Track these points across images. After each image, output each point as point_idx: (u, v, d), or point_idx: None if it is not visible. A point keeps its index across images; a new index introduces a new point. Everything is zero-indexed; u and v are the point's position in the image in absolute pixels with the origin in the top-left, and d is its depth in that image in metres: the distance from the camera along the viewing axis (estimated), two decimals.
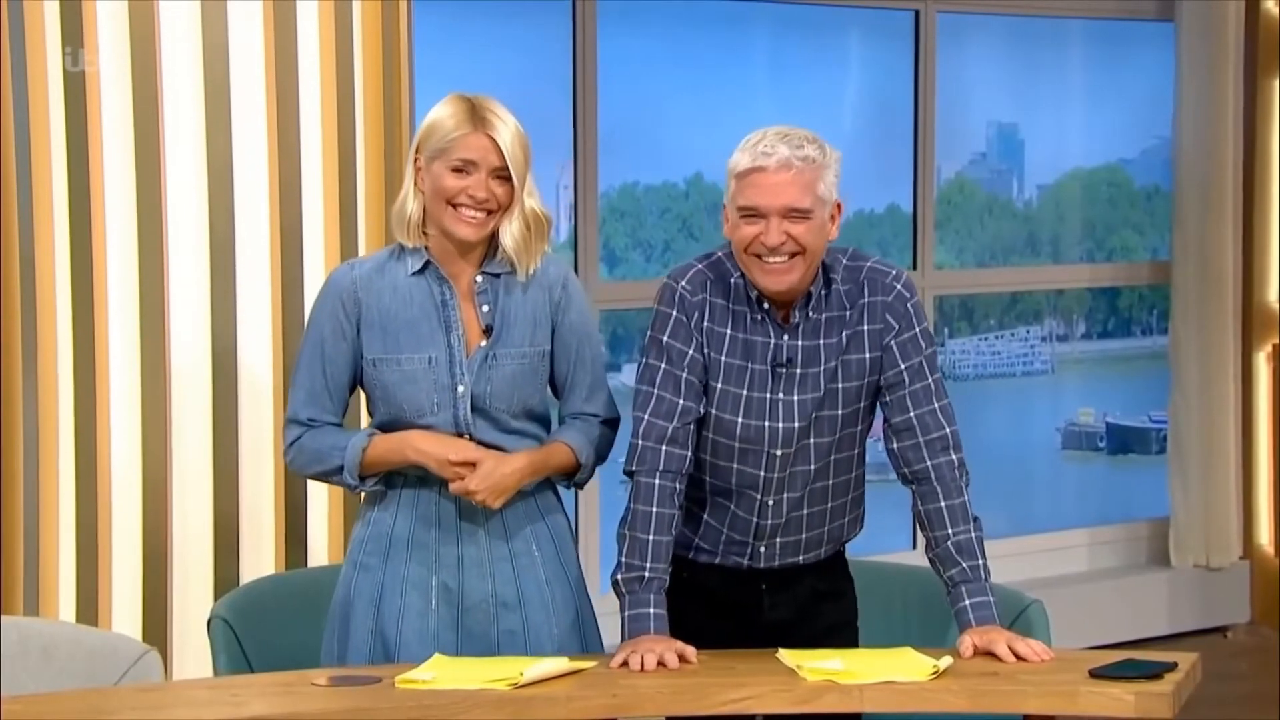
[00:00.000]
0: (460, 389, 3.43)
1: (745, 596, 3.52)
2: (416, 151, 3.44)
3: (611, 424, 3.57)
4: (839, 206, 3.38)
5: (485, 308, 3.45)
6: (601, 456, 3.55)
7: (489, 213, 3.40)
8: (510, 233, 3.41)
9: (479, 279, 3.46)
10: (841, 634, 3.52)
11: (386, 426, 3.47)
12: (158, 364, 4.29)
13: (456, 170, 3.38)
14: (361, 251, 4.50)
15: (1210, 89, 6.53)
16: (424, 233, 3.46)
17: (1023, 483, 6.72)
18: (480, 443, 3.44)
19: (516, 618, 3.47)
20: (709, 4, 5.95)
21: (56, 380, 4.18)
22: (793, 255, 3.34)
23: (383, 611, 3.45)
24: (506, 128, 3.39)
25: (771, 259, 3.34)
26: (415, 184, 3.45)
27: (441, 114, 3.42)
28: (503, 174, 3.39)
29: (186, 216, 4.33)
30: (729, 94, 5.98)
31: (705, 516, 3.50)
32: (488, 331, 3.45)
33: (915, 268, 6.33)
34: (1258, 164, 6.67)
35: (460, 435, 3.44)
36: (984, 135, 6.61)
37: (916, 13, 6.28)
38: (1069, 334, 6.87)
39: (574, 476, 3.53)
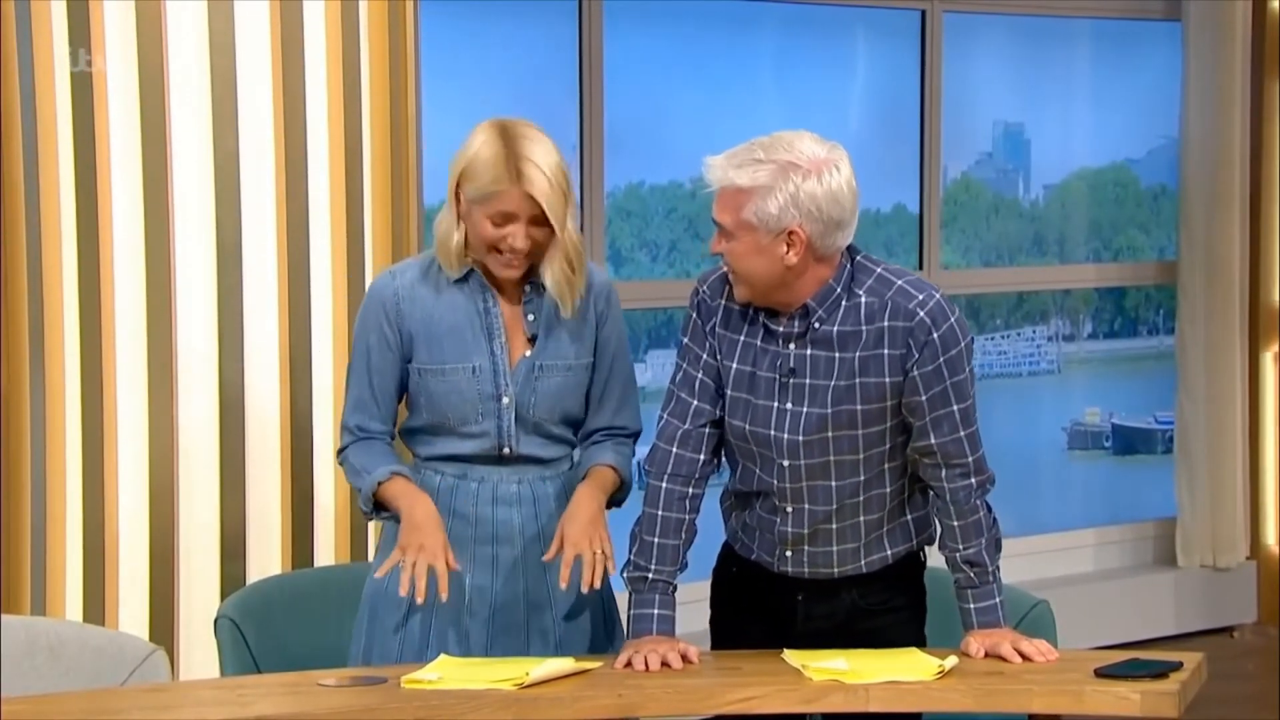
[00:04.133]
0: (505, 400, 3.44)
1: (781, 603, 3.48)
2: (458, 183, 3.38)
3: (637, 436, 3.60)
4: (795, 236, 3.25)
5: (531, 317, 3.46)
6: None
7: (529, 254, 3.40)
8: (551, 274, 3.39)
9: (526, 288, 3.45)
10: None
11: (427, 430, 3.48)
12: (164, 363, 4.30)
13: (495, 222, 3.35)
14: (368, 249, 4.51)
15: (1217, 89, 6.53)
16: (464, 259, 3.44)
17: (1029, 483, 6.71)
18: (519, 455, 3.46)
19: (548, 618, 3.49)
20: (715, 3, 5.95)
21: (63, 380, 4.19)
22: (729, 272, 3.33)
23: (415, 606, 3.45)
24: (544, 176, 3.32)
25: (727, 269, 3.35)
26: (457, 215, 3.40)
27: (481, 157, 3.34)
28: (542, 219, 3.36)
29: (193, 216, 4.34)
30: (735, 93, 5.98)
31: (745, 511, 3.50)
32: (533, 341, 3.46)
33: (921, 267, 6.32)
34: (1264, 164, 6.66)
35: (501, 447, 3.46)
36: (990, 135, 6.60)
37: (923, 12, 6.28)
38: (1075, 334, 6.87)
39: (617, 495, 3.54)
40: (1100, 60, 6.74)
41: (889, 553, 3.47)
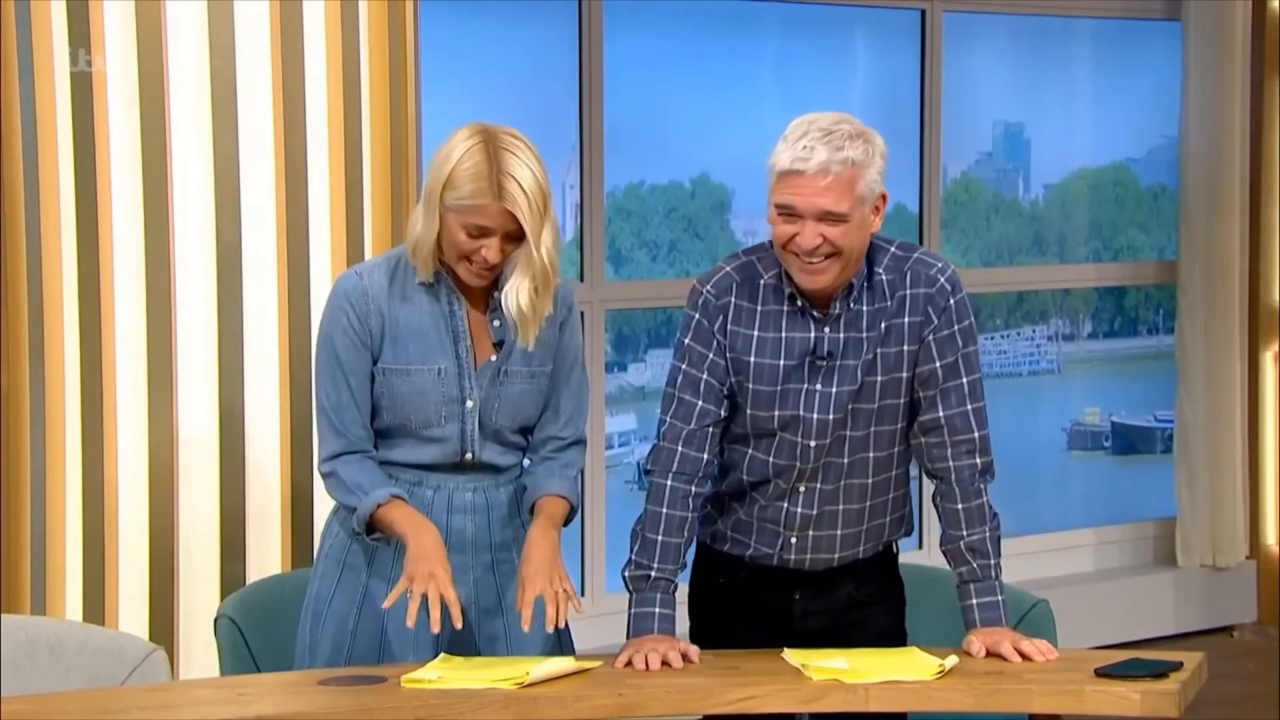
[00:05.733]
0: (469, 404, 3.43)
1: (777, 603, 3.49)
2: (440, 188, 3.33)
3: (583, 443, 3.58)
4: (884, 198, 3.32)
5: (497, 323, 3.44)
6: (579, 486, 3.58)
7: (493, 273, 3.37)
8: (516, 299, 3.34)
9: (495, 294, 3.43)
10: (886, 643, 3.45)
11: (386, 434, 3.46)
12: (164, 361, 4.30)
13: (470, 234, 3.33)
14: (368, 250, 4.51)
15: (1217, 88, 6.53)
16: (435, 264, 3.41)
17: (1029, 482, 6.71)
18: (479, 462, 3.46)
19: (498, 623, 3.49)
20: (715, 3, 5.95)
21: (63, 379, 4.19)
22: (829, 255, 3.30)
23: (364, 613, 3.45)
24: (524, 194, 3.29)
25: (809, 259, 3.30)
26: (436, 217, 3.35)
27: (462, 167, 3.30)
28: (518, 235, 3.33)
29: (193, 216, 4.34)
30: (735, 93, 5.98)
31: (740, 507, 3.50)
32: (498, 346, 3.45)
33: None
34: (1264, 163, 6.66)
35: (464, 452, 3.44)
36: (990, 134, 6.60)
37: (923, 12, 6.28)
38: (1075, 333, 6.87)
39: (566, 520, 3.53)
40: (1100, 60, 6.74)
41: (880, 542, 3.52)
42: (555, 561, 3.38)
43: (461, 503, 3.47)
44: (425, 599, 3.26)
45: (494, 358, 3.44)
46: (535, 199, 3.30)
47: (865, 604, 3.51)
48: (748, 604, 3.51)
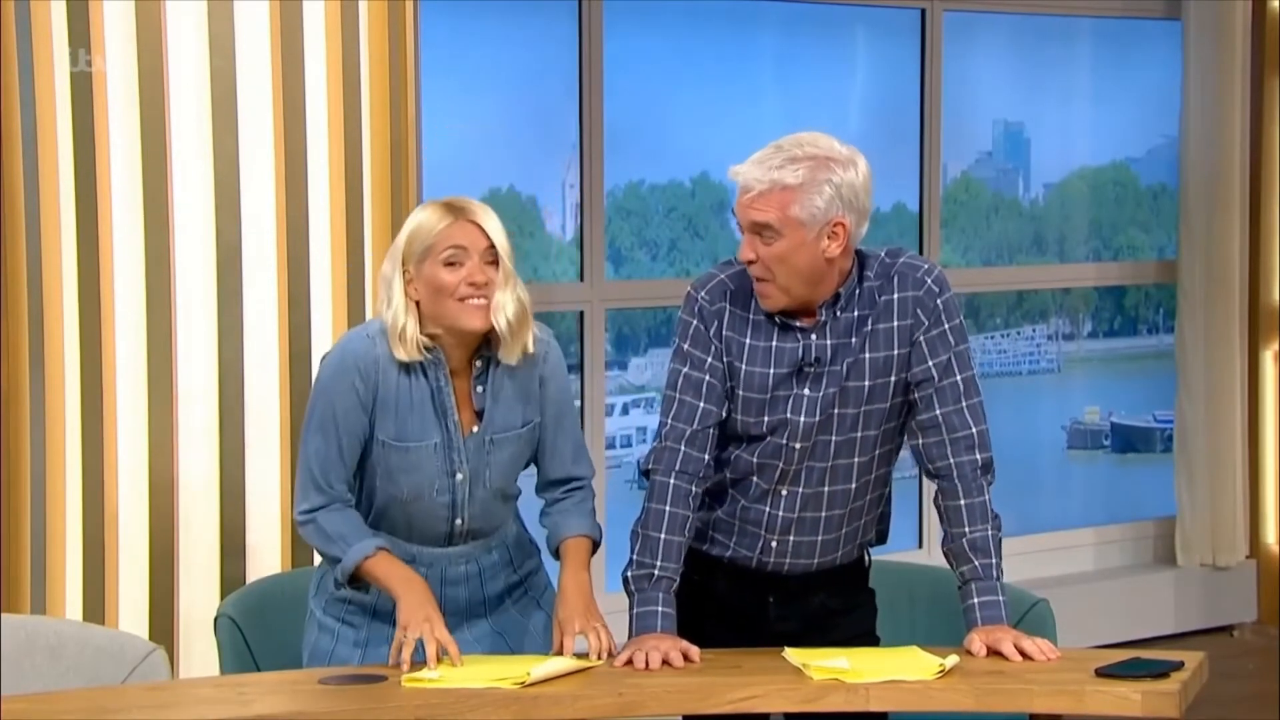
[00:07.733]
0: (459, 476, 3.44)
1: (752, 606, 3.51)
2: (403, 265, 3.38)
3: (592, 477, 3.60)
4: (842, 225, 3.32)
5: (480, 389, 3.45)
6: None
7: (488, 298, 3.38)
8: (505, 315, 3.36)
9: (477, 363, 3.44)
10: (857, 646, 3.47)
11: (379, 498, 3.47)
12: (164, 363, 4.30)
13: (449, 264, 3.35)
14: (368, 250, 4.51)
15: (1217, 88, 6.53)
16: (421, 340, 3.40)
17: (1029, 482, 6.71)
18: (469, 531, 3.47)
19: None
20: (715, 2, 5.95)
21: (63, 379, 4.19)
22: (760, 280, 3.35)
23: (369, 655, 3.45)
24: (487, 213, 3.39)
25: (754, 276, 3.36)
26: (406, 295, 3.38)
27: (419, 218, 3.40)
28: (492, 257, 3.37)
29: (193, 217, 4.34)
30: (735, 92, 5.98)
31: (720, 507, 3.50)
32: (480, 415, 3.45)
33: None
34: (1264, 162, 6.66)
35: (454, 518, 3.46)
36: (990, 134, 6.61)
37: (923, 11, 6.28)
38: (1075, 333, 6.87)
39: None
40: (1100, 59, 6.74)
41: (857, 545, 3.53)
42: (590, 605, 3.42)
43: (455, 575, 3.50)
44: (420, 647, 3.29)
45: (476, 428, 3.45)
46: (494, 218, 3.39)
47: (838, 611, 3.53)
48: (722, 604, 3.52)
